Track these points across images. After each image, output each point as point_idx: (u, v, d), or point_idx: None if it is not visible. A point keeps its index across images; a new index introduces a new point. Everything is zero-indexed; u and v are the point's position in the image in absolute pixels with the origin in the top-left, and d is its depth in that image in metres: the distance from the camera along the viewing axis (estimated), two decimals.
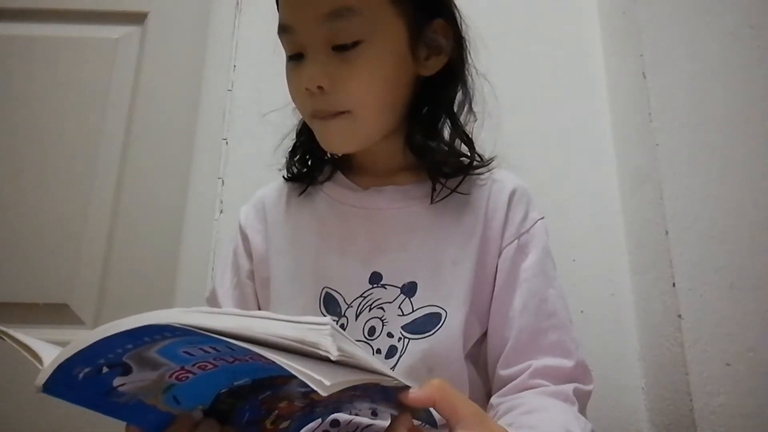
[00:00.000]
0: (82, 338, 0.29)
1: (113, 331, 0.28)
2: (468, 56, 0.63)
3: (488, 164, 0.63)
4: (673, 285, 0.74)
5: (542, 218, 0.62)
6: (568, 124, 0.98)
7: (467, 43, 0.63)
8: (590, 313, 0.88)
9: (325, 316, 0.58)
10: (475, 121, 0.63)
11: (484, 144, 0.66)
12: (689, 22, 0.84)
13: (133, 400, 0.36)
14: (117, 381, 0.33)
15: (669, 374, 0.76)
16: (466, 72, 0.63)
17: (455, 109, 0.62)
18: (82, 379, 0.31)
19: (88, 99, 1.07)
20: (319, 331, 0.28)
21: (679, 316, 0.73)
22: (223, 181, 0.99)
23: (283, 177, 0.68)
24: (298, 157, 0.68)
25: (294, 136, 0.69)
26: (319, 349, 0.27)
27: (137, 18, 1.12)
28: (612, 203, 0.94)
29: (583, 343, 0.58)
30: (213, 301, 0.65)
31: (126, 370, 0.33)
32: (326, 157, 0.68)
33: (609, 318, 0.88)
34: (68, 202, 1.01)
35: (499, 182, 0.63)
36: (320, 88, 0.54)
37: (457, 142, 0.62)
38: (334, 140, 0.59)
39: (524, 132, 0.97)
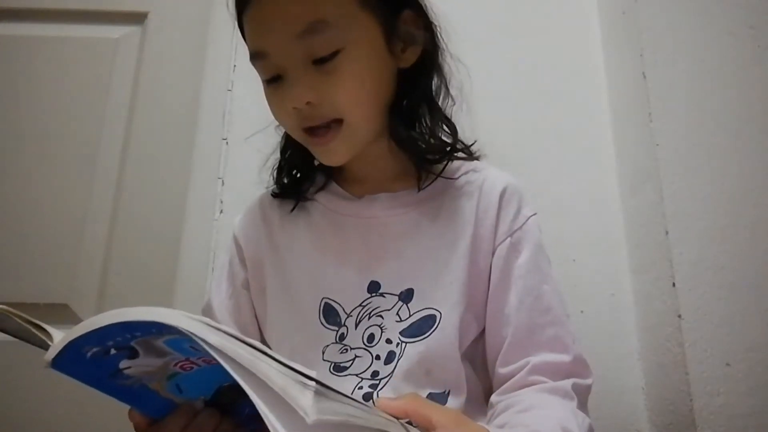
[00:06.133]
0: (94, 319, 0.29)
1: (121, 319, 0.29)
2: (441, 41, 0.63)
3: (470, 146, 0.64)
4: (673, 285, 0.74)
5: (534, 214, 0.61)
6: (568, 124, 0.98)
7: (438, 28, 0.62)
8: (590, 313, 0.88)
9: (325, 327, 0.58)
10: (454, 104, 0.64)
11: (482, 144, 0.66)
12: (689, 22, 0.84)
13: (137, 384, 0.36)
14: (123, 363, 0.34)
15: (669, 374, 0.76)
16: (441, 57, 0.63)
17: (434, 96, 0.62)
18: (90, 358, 0.32)
19: (88, 99, 1.07)
20: (302, 387, 0.26)
21: (679, 316, 0.73)
22: (223, 181, 0.99)
23: (272, 194, 0.67)
24: (285, 173, 0.67)
25: (278, 155, 0.68)
26: (298, 406, 0.25)
27: (137, 18, 1.12)
28: (612, 203, 0.94)
29: (583, 343, 0.58)
30: (208, 311, 0.64)
31: (133, 354, 0.33)
32: (317, 168, 0.67)
33: (609, 318, 0.88)
34: (68, 202, 1.01)
35: (490, 180, 0.62)
36: (308, 103, 0.54)
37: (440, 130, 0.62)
38: (333, 153, 0.58)
39: (524, 131, 0.97)
